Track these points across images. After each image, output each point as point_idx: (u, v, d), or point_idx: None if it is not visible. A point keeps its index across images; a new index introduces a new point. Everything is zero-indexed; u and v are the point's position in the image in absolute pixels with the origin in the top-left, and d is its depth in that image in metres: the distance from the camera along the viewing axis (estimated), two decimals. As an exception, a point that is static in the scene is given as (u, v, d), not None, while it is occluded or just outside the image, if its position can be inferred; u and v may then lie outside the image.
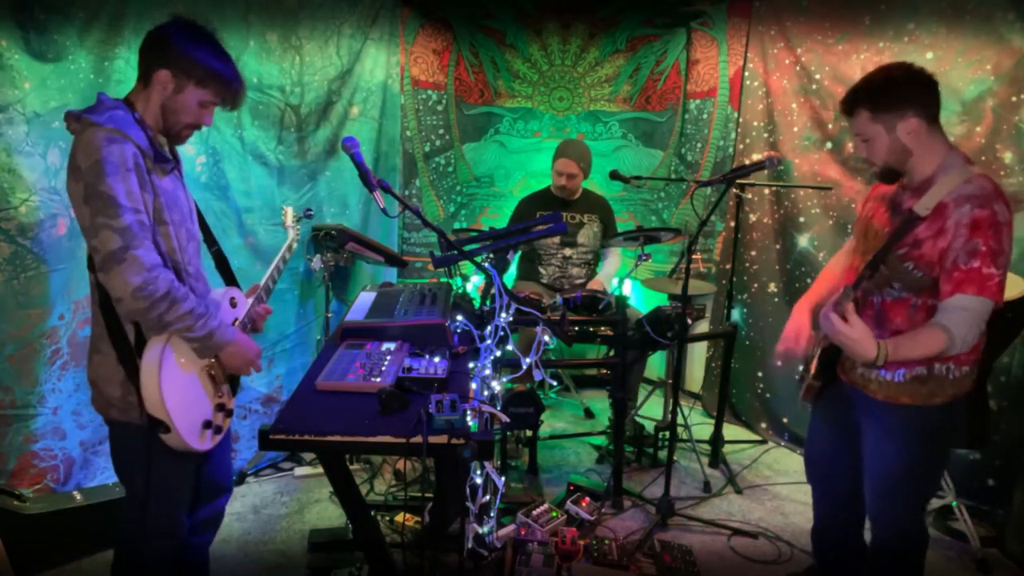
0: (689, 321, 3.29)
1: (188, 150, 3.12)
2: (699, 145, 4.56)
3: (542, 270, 3.98)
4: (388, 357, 2.18)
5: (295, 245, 2.54)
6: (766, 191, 4.06)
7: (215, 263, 2.15)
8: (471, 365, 2.20)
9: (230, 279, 2.15)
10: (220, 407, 1.93)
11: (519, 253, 4.09)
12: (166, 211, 1.79)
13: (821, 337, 2.15)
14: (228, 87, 1.87)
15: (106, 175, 1.63)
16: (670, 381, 3.67)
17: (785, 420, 4.05)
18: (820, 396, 2.23)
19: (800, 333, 2.23)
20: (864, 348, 1.79)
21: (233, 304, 2.04)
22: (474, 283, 3.90)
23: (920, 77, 1.88)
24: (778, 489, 3.53)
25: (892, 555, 2.14)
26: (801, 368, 2.29)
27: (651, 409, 4.08)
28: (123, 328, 1.77)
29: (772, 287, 4.11)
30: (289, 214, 2.75)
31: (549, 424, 4.18)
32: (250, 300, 2.12)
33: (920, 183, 1.91)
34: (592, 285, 3.88)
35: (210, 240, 2.12)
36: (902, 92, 1.86)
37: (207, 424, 1.86)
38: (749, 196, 4.09)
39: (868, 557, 2.23)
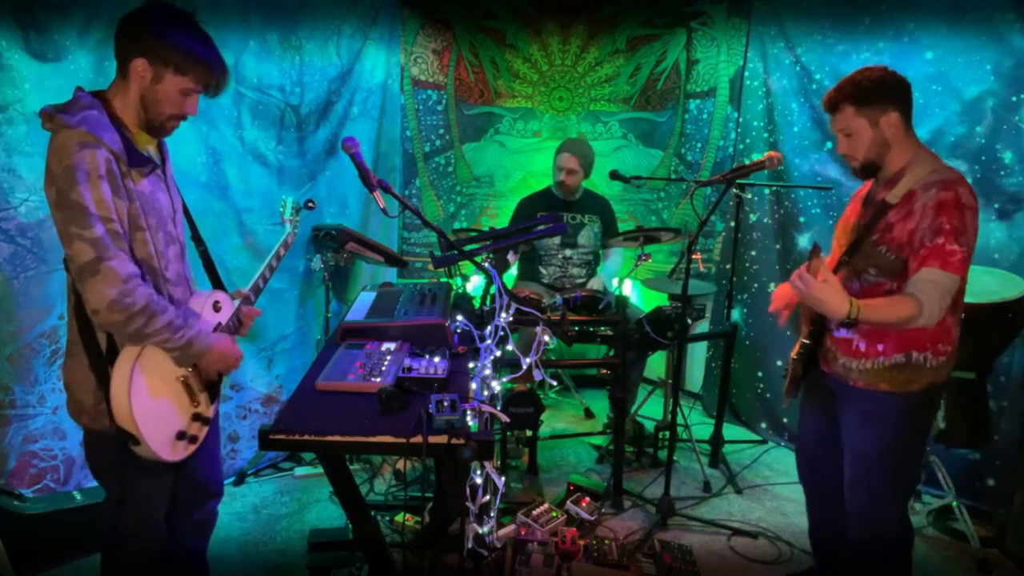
0: (689, 321, 3.29)
1: (188, 150, 3.13)
2: (699, 145, 4.56)
3: (543, 270, 3.98)
4: (388, 357, 2.18)
5: (292, 240, 2.40)
6: (766, 191, 4.06)
7: (203, 264, 2.07)
8: (471, 365, 2.19)
9: (216, 281, 2.07)
10: (196, 416, 1.87)
11: (519, 253, 4.09)
12: (142, 216, 1.71)
13: (802, 326, 2.28)
14: (210, 72, 1.76)
15: (77, 183, 1.57)
16: (670, 381, 3.67)
17: (785, 420, 4.05)
18: (804, 391, 2.35)
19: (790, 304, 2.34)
20: (837, 303, 1.88)
21: (217, 308, 1.96)
22: (475, 284, 3.90)
23: (897, 77, 2.03)
24: (778, 489, 3.53)
25: (873, 546, 2.18)
26: (783, 364, 2.35)
27: (651, 409, 4.08)
28: (95, 334, 1.71)
29: (772, 287, 4.10)
30: (288, 205, 2.53)
31: (549, 424, 4.18)
32: (236, 303, 2.05)
33: (892, 176, 2.06)
34: (592, 284, 3.89)
35: (197, 240, 2.04)
36: (884, 89, 2.01)
37: (180, 435, 1.81)
38: (749, 196, 4.09)
39: (850, 550, 2.26)
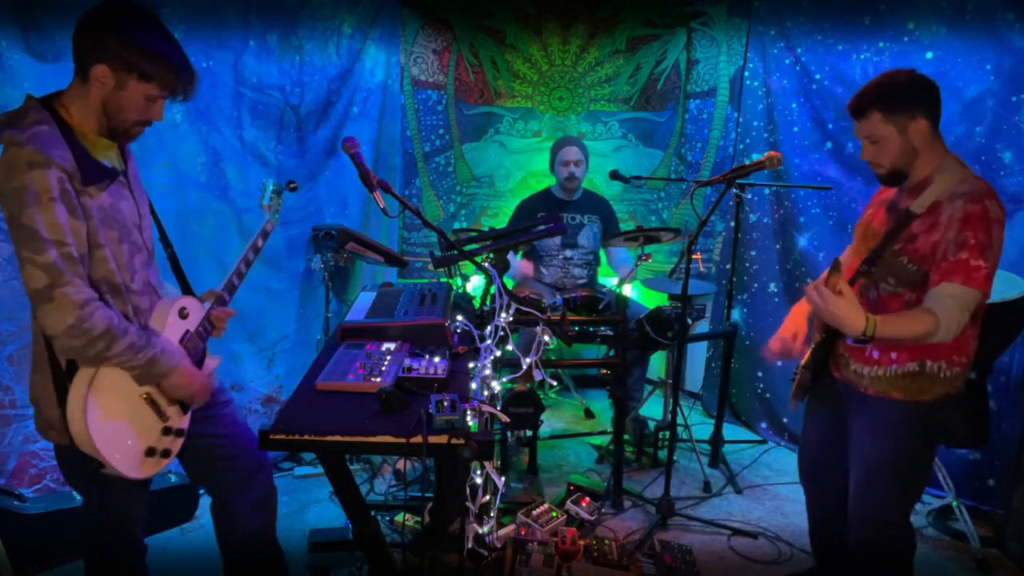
0: (689, 321, 3.28)
1: (188, 150, 3.13)
2: (699, 145, 4.56)
3: (544, 271, 3.98)
4: (388, 357, 2.18)
5: (271, 228, 2.25)
6: (766, 191, 4.06)
7: (171, 267, 1.99)
8: (471, 365, 2.19)
9: (184, 285, 1.98)
10: (167, 431, 1.80)
11: (520, 254, 4.09)
12: (100, 232, 1.63)
13: (814, 333, 2.22)
14: (177, 78, 1.66)
15: (27, 205, 1.49)
16: (670, 381, 3.67)
17: (785, 420, 4.05)
18: (811, 393, 2.29)
19: (798, 334, 2.28)
20: (853, 318, 1.82)
21: (184, 315, 1.87)
22: (475, 284, 3.90)
23: (927, 81, 1.94)
24: (778, 489, 3.53)
25: (875, 554, 2.15)
26: (795, 369, 2.32)
27: (651, 409, 4.08)
28: (55, 351, 1.65)
29: (772, 287, 4.10)
30: (268, 189, 2.31)
31: (549, 424, 4.18)
32: (206, 305, 1.96)
33: (917, 184, 1.98)
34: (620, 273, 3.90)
35: (165, 242, 1.97)
36: (913, 94, 1.92)
37: (150, 451, 1.74)
38: (749, 196, 4.09)
39: (850, 553, 2.23)
